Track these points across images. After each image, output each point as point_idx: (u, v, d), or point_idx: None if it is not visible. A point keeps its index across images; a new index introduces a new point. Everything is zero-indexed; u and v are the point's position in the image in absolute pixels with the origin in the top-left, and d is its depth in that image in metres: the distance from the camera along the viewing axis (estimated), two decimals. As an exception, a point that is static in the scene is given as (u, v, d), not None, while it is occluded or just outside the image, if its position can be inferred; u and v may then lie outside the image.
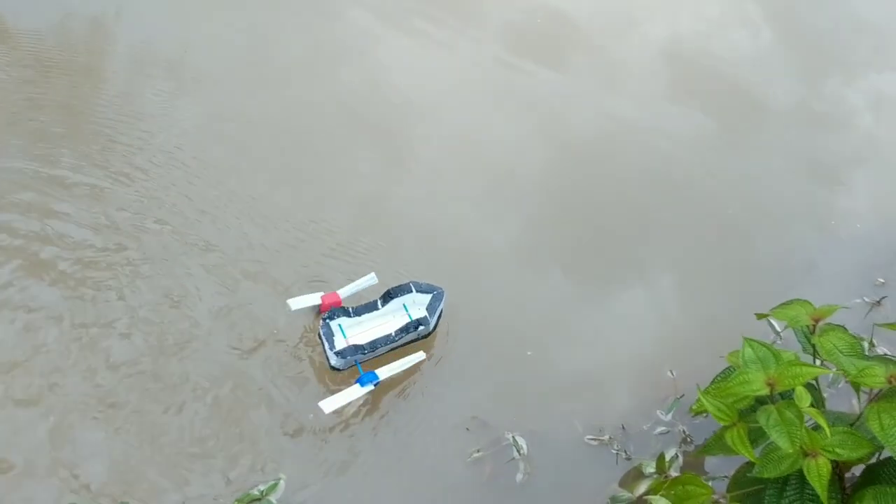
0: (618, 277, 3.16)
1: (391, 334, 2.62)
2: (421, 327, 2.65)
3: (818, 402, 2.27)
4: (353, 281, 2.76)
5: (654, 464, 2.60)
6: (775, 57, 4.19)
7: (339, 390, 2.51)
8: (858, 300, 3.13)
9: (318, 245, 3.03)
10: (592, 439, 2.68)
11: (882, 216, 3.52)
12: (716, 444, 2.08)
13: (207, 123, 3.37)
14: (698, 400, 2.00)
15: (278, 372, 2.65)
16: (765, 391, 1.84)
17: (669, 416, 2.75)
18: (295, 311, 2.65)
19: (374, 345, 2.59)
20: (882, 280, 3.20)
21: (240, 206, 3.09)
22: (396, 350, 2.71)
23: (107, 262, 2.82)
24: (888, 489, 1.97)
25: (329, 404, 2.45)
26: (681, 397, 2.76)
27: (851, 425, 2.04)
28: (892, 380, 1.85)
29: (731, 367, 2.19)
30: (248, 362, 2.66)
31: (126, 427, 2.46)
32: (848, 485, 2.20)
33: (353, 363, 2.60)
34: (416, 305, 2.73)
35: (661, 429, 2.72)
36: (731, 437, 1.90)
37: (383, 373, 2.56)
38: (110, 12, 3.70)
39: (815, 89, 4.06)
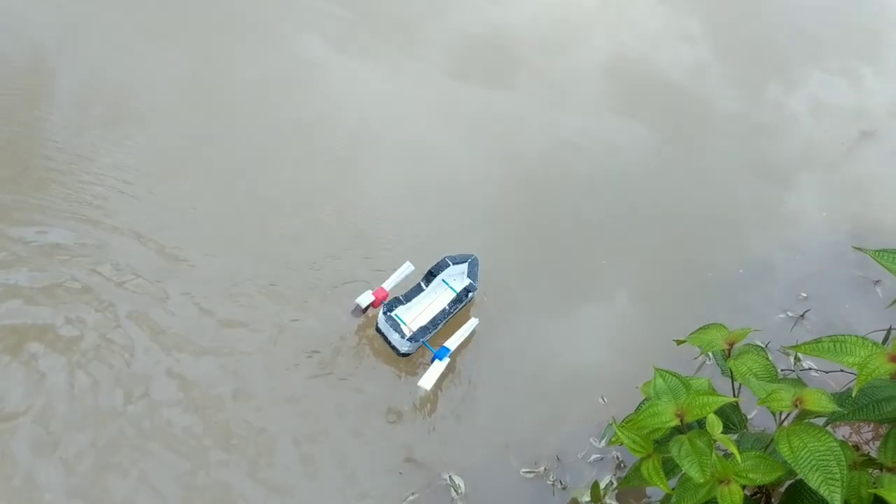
0: (556, 302, 3.17)
1: (445, 308, 2.88)
2: (470, 294, 2.93)
3: (739, 424, 2.30)
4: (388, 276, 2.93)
5: (589, 492, 2.61)
6: (716, 68, 4.29)
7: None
8: (782, 315, 3.20)
9: (303, 261, 3.07)
10: (528, 472, 2.68)
11: (808, 228, 3.61)
12: (634, 475, 2.09)
13: (158, 157, 3.29)
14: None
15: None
16: (675, 422, 1.86)
17: (603, 443, 2.77)
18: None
19: (434, 322, 2.84)
20: (805, 295, 3.27)
21: (207, 237, 3.07)
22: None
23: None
24: (807, 507, 2.01)
25: (427, 381, 2.70)
26: (612, 423, 2.78)
27: (766, 447, 2.08)
28: (798, 403, 1.88)
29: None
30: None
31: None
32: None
33: (422, 344, 2.81)
34: (452, 277, 2.97)
35: (595, 456, 2.74)
36: (646, 469, 1.92)
37: (452, 344, 2.80)
38: (52, 48, 3.58)
39: (755, 98, 4.17)
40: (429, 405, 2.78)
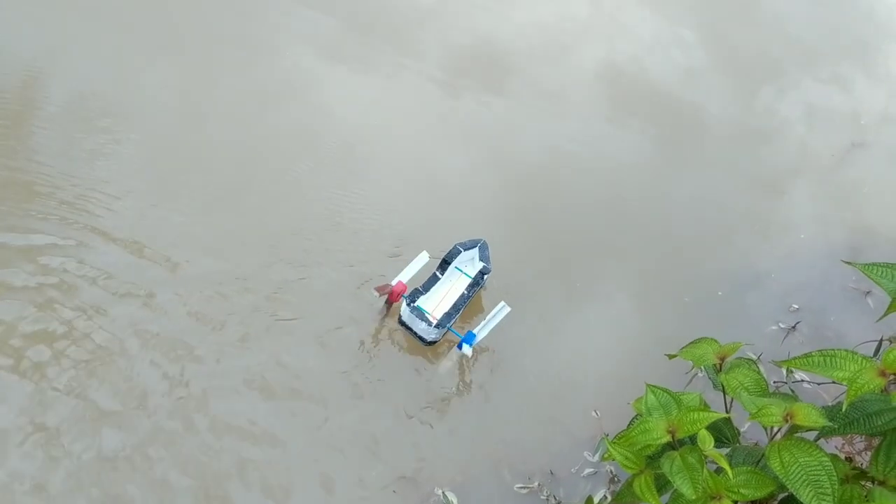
0: (549, 313, 3.17)
1: (464, 293, 2.97)
2: (485, 276, 3.03)
3: (731, 438, 2.31)
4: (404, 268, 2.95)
5: (583, 507, 2.62)
6: (710, 75, 4.29)
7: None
8: (774, 327, 3.21)
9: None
10: (522, 487, 2.68)
11: (800, 238, 3.62)
12: (626, 492, 2.10)
13: (151, 167, 3.28)
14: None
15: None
16: (666, 439, 1.87)
17: (596, 457, 2.76)
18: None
19: (456, 307, 2.93)
20: (796, 306, 3.28)
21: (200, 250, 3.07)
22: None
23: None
24: (800, 522, 2.01)
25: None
26: (605, 439, 2.78)
27: (758, 462, 2.08)
28: (788, 418, 1.89)
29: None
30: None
31: None
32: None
33: (447, 329, 2.89)
34: (464, 263, 3.05)
35: (588, 470, 2.74)
36: (638, 486, 1.92)
37: (480, 332, 2.84)
38: (41, 60, 3.56)
39: (749, 105, 4.18)
40: (424, 418, 2.78)
